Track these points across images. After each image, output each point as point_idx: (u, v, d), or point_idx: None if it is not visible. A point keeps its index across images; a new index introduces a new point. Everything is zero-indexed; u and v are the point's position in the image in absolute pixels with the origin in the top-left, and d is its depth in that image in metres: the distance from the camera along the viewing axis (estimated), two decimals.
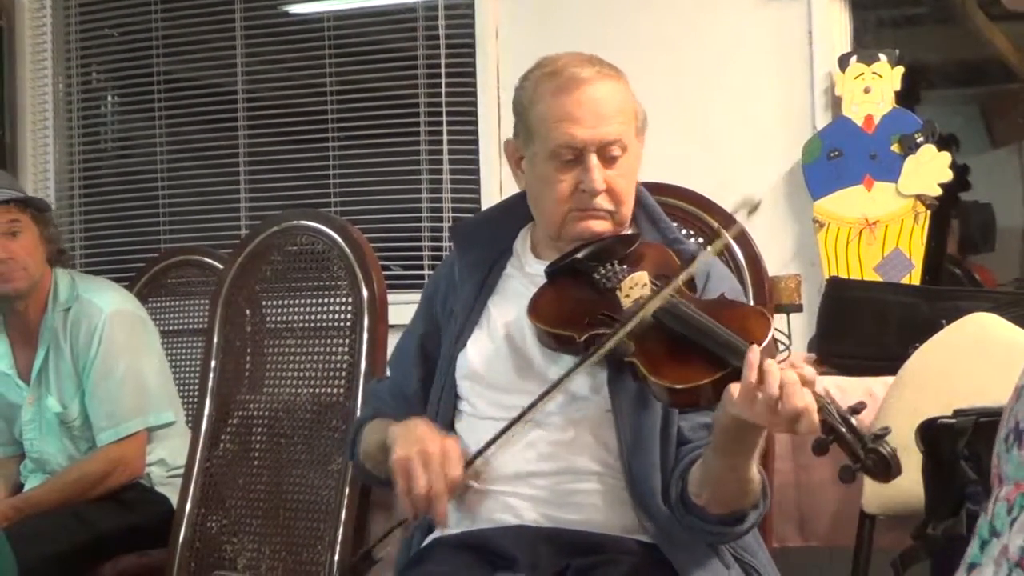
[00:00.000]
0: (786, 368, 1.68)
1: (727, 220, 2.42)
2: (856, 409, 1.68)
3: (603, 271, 2.01)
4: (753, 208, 1.97)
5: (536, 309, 2.01)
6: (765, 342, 1.77)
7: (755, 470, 1.83)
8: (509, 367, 2.03)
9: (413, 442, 1.92)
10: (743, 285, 2.35)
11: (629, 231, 2.13)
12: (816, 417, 1.65)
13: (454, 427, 2.08)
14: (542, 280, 2.07)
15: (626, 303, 1.94)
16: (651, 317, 1.88)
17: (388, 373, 2.32)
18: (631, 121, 2.06)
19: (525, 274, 2.13)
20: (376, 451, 2.09)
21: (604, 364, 1.95)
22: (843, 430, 1.65)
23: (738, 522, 1.88)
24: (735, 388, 1.69)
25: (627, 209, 2.08)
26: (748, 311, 1.97)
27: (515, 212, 2.20)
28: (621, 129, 2.02)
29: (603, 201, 2.03)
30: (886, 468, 1.63)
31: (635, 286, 1.96)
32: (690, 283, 2.02)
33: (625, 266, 2.01)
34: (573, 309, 1.97)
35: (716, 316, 1.84)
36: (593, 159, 2.00)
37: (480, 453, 1.94)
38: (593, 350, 1.89)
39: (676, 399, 1.82)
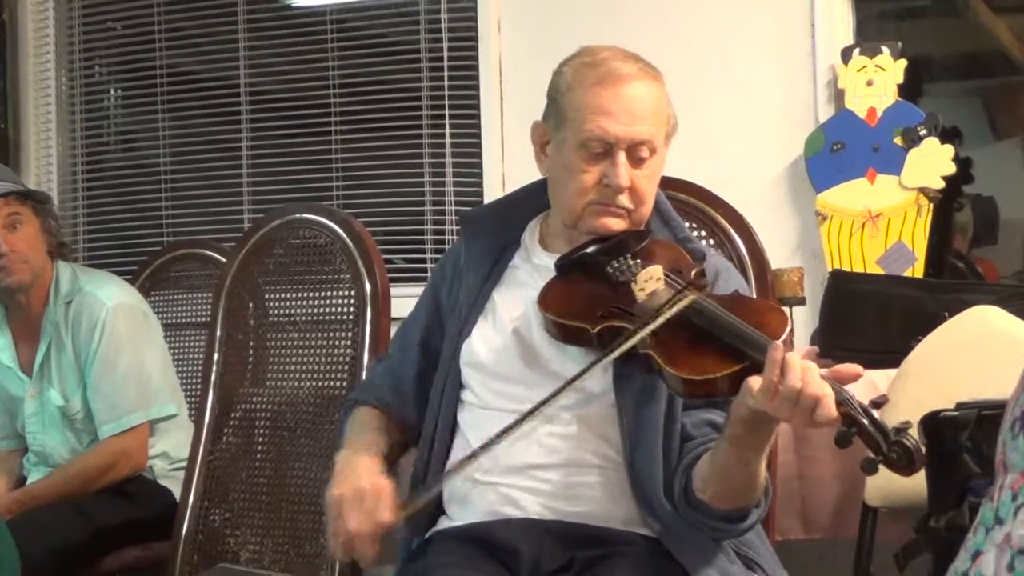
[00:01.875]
0: (804, 358, 1.68)
1: (730, 215, 2.43)
2: (878, 403, 1.68)
3: (616, 264, 2.01)
4: None
5: (547, 300, 2.00)
6: (784, 336, 1.77)
7: (763, 466, 1.83)
8: (515, 358, 2.03)
9: (349, 479, 1.96)
10: (746, 278, 2.35)
11: (647, 227, 2.12)
12: (833, 407, 1.65)
13: (457, 417, 2.08)
14: (549, 272, 2.06)
15: (641, 296, 1.93)
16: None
17: (389, 352, 2.30)
18: (663, 125, 2.05)
19: (533, 265, 2.12)
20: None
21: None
22: (866, 423, 1.65)
23: (741, 519, 1.87)
24: (755, 381, 1.69)
25: (646, 210, 2.07)
26: (766, 306, 1.96)
27: (525, 203, 2.19)
28: (653, 131, 2.02)
29: (625, 199, 2.02)
30: (910, 461, 1.63)
31: (650, 279, 1.95)
32: (701, 280, 2.02)
33: (639, 260, 2.01)
34: (585, 301, 1.96)
35: (735, 311, 1.84)
36: (622, 156, 2.00)
37: (426, 496, 1.98)
38: (613, 346, 1.88)
39: (691, 390, 1.82)
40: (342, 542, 1.91)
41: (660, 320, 1.87)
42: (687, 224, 2.37)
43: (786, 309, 2.87)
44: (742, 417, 1.74)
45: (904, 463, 1.64)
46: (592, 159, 2.01)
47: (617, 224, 2.04)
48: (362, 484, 1.93)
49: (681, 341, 1.84)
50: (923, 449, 1.65)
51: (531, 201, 2.18)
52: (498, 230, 2.19)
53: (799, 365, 1.66)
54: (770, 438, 1.79)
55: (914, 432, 1.65)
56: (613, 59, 2.03)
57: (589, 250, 2.04)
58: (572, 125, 2.02)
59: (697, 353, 1.81)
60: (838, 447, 1.68)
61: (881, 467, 1.66)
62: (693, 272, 1.99)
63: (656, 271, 1.97)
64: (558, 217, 2.12)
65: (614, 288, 1.97)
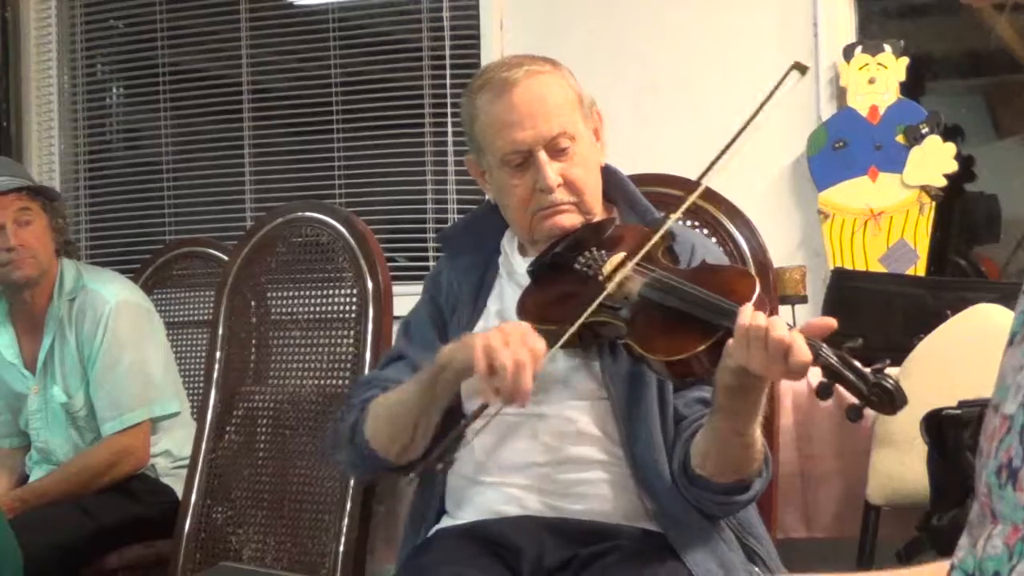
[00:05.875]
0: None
1: (732, 213, 2.43)
2: (853, 348, 1.69)
3: (583, 259, 2.01)
4: (803, 70, 2.00)
5: (525, 309, 2.01)
6: (754, 299, 1.77)
7: (759, 435, 1.83)
8: None
9: (484, 333, 1.86)
10: None
11: (613, 215, 2.13)
12: (806, 349, 1.66)
13: None
14: (527, 279, 2.07)
15: (611, 287, 1.94)
16: (638, 295, 1.89)
17: (401, 353, 2.20)
18: (574, 109, 2.06)
19: (514, 273, 2.14)
20: (406, 401, 2.00)
21: (596, 352, 1.96)
22: (844, 371, 1.67)
23: (744, 490, 1.88)
24: (731, 342, 1.70)
25: (591, 197, 2.08)
26: (731, 272, 1.98)
27: (498, 212, 2.19)
28: (562, 121, 2.03)
29: (563, 195, 2.04)
30: (891, 400, 1.65)
31: (616, 268, 1.96)
32: (673, 258, 2.03)
33: (604, 251, 2.01)
34: (561, 302, 1.97)
35: (700, 282, 1.85)
36: (542, 157, 2.02)
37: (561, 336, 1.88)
38: (582, 319, 1.89)
39: (674, 371, 1.83)
40: (500, 379, 1.77)
41: (609, 288, 1.89)
42: (688, 221, 2.37)
43: (788, 308, 2.89)
44: (727, 386, 1.75)
45: (886, 403, 1.65)
46: (517, 172, 2.04)
47: (569, 220, 2.06)
48: (502, 328, 1.85)
49: (655, 325, 1.85)
50: (902, 387, 1.65)
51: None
52: (477, 243, 2.20)
53: (764, 316, 1.69)
54: (759, 405, 1.79)
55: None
56: (499, 70, 2.06)
57: (557, 249, 2.05)
58: (488, 149, 2.06)
59: (672, 334, 1.82)
60: (819, 399, 1.70)
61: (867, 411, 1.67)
62: (660, 251, 1.99)
63: (620, 258, 1.97)
64: (517, 234, 2.15)
65: (585, 283, 1.97)
